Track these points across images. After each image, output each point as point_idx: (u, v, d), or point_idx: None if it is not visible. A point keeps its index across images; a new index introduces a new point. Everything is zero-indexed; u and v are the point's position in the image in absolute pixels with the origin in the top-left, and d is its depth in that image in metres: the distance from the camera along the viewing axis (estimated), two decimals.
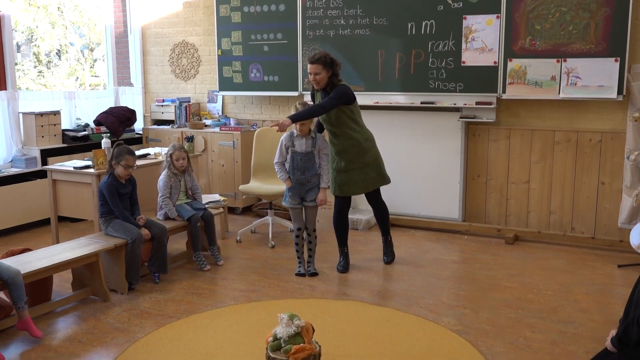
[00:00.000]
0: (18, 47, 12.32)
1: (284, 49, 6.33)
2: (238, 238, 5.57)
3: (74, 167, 5.04)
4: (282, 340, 2.99)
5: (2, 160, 6.02)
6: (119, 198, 4.40)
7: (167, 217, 4.83)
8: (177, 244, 5.36)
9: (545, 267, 4.79)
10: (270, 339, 3.04)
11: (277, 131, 4.38)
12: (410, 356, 3.31)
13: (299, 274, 4.62)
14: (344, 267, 4.75)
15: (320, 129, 4.73)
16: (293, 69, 6.32)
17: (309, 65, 4.44)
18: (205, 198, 5.47)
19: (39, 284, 4.03)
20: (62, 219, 5.64)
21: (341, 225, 4.78)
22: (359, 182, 4.63)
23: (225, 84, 6.74)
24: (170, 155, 4.81)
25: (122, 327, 3.75)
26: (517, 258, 5.04)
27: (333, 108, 4.41)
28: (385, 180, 4.74)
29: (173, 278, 4.62)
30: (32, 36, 11.77)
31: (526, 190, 5.62)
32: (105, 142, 5.26)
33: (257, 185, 5.72)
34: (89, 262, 4.13)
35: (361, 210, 6.05)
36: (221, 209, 5.52)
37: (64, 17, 10.76)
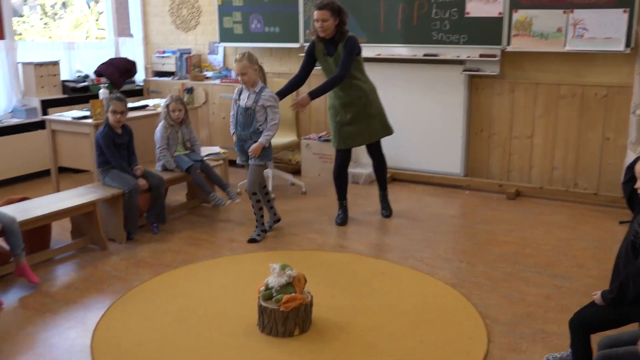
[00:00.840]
0: None
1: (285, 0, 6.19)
2: (238, 190, 5.55)
3: (72, 118, 5.01)
4: (273, 290, 3.01)
5: (3, 110, 5.99)
6: (115, 148, 4.39)
7: (165, 169, 4.81)
8: (177, 196, 5.37)
9: (545, 223, 4.77)
10: (262, 288, 3.06)
11: (295, 110, 4.24)
12: (403, 308, 3.32)
13: (250, 240, 4.35)
14: (343, 220, 4.74)
15: (294, 87, 4.56)
16: (294, 20, 6.18)
17: (315, 12, 4.31)
18: (205, 150, 5.45)
19: (38, 232, 4.05)
20: (65, 170, 5.65)
21: (341, 179, 4.75)
22: (364, 134, 4.58)
23: (226, 35, 6.62)
24: (167, 106, 4.76)
25: (119, 275, 3.79)
26: (518, 213, 5.01)
27: (351, 68, 4.33)
28: (389, 131, 4.70)
29: (172, 229, 4.64)
30: None
31: (529, 145, 5.55)
32: (103, 92, 5.21)
33: None
34: (86, 211, 4.15)
35: (362, 164, 6.01)
36: (221, 161, 5.50)
37: None
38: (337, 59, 4.39)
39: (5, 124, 5.82)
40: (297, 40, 6.23)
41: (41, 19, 11.87)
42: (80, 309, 3.34)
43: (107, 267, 3.93)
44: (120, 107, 4.35)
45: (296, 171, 6.19)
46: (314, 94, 4.34)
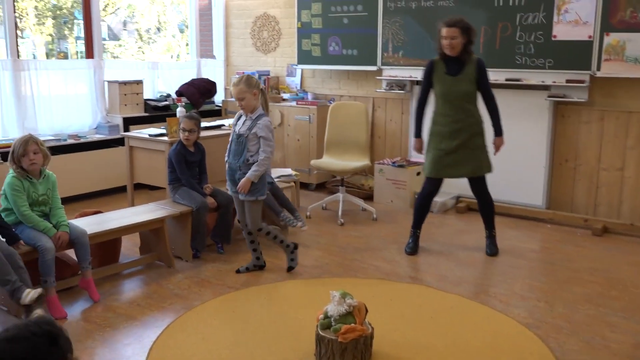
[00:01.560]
0: (124, 24, 12.88)
1: (364, 22, 6.12)
2: (308, 213, 5.48)
3: (149, 135, 5.12)
4: (332, 319, 2.87)
5: (88, 126, 6.23)
6: (187, 166, 4.42)
7: None
8: None
9: (635, 263, 4.38)
10: (321, 316, 2.93)
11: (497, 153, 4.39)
12: (471, 347, 3.09)
13: (237, 271, 4.14)
14: (412, 249, 4.55)
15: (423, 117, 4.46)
16: (372, 42, 6.10)
17: (444, 29, 4.17)
18: (278, 172, 5.42)
19: (108, 245, 4.12)
20: (143, 187, 5.77)
21: (424, 208, 4.56)
22: (469, 164, 4.34)
23: (304, 57, 6.63)
24: None
25: (181, 294, 3.76)
26: (604, 251, 4.64)
27: None
28: (491, 168, 4.43)
29: (238, 249, 4.60)
30: (133, 14, 12.23)
31: (619, 178, 5.16)
32: (180, 110, 5.30)
33: (329, 161, 5.59)
34: (154, 227, 4.18)
35: (438, 193, 5.78)
36: (292, 184, 5.45)
37: None
38: (459, 80, 4.25)
39: (89, 140, 6.04)
40: (375, 63, 6.13)
41: (136, 42, 12.45)
42: (140, 326, 3.33)
43: (170, 284, 3.93)
44: (189, 125, 4.39)
45: (368, 197, 6.05)
46: (500, 129, 4.38)
